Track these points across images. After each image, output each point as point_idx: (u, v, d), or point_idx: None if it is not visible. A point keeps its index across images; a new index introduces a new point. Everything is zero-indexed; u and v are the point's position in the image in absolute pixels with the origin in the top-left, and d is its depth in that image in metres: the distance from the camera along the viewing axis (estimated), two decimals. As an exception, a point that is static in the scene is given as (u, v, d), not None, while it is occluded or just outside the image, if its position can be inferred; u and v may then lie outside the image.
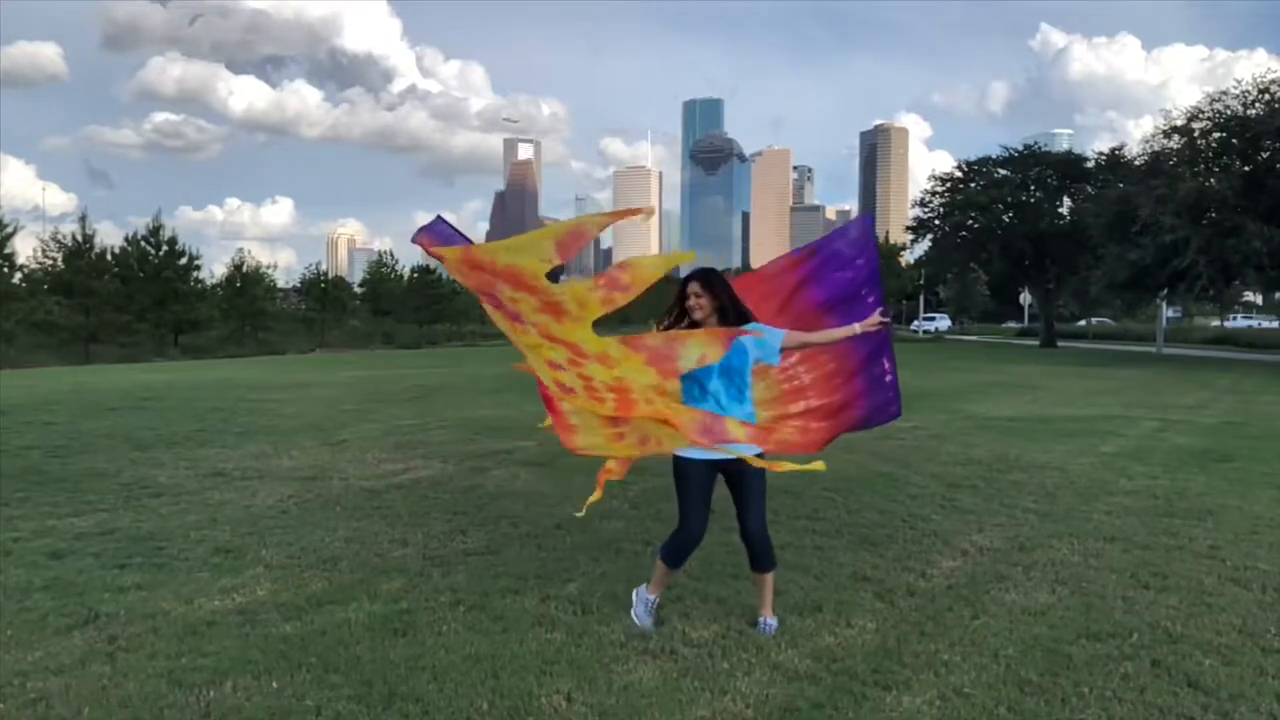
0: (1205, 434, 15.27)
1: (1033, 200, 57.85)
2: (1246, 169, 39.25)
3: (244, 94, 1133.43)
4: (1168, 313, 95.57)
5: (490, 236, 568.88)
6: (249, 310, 61.46)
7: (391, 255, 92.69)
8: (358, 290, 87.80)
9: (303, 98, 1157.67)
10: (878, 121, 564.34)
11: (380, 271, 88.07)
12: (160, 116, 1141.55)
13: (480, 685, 4.91)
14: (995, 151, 60.35)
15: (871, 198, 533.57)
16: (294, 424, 16.13)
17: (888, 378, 6.78)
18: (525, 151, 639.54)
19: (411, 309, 79.32)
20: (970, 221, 57.83)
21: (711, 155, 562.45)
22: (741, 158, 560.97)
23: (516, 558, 7.42)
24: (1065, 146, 76.54)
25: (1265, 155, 38.48)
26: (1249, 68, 52.68)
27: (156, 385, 24.81)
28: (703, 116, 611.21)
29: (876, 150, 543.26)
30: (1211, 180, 38.42)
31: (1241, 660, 5.29)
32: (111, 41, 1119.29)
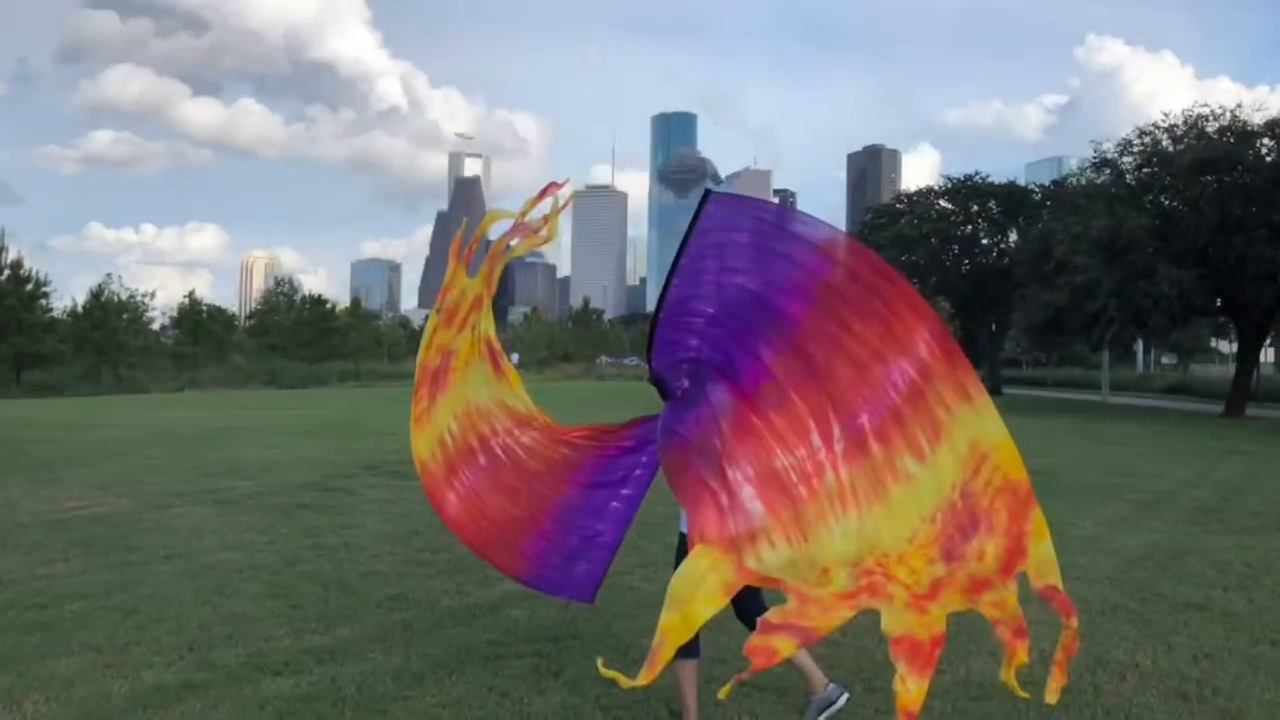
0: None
1: (970, 234, 60.02)
2: (1173, 205, 41.17)
3: (197, 111, 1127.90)
4: (1166, 359, 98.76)
5: (430, 262, 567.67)
6: (106, 344, 62.11)
7: (289, 282, 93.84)
8: (246, 322, 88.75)
9: (257, 117, 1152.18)
10: (867, 143, 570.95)
11: (273, 301, 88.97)
12: (104, 133, 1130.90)
13: None
14: (997, 178, 62.73)
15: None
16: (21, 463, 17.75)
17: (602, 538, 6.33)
18: (472, 167, 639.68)
19: (300, 344, 79.96)
20: (904, 257, 59.62)
21: (683, 176, 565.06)
22: (716, 179, 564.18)
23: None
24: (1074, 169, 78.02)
25: (1184, 193, 40.11)
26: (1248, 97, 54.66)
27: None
28: (674, 132, 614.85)
29: (866, 174, 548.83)
30: (1132, 218, 40.19)
31: None
32: (66, 54, 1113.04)
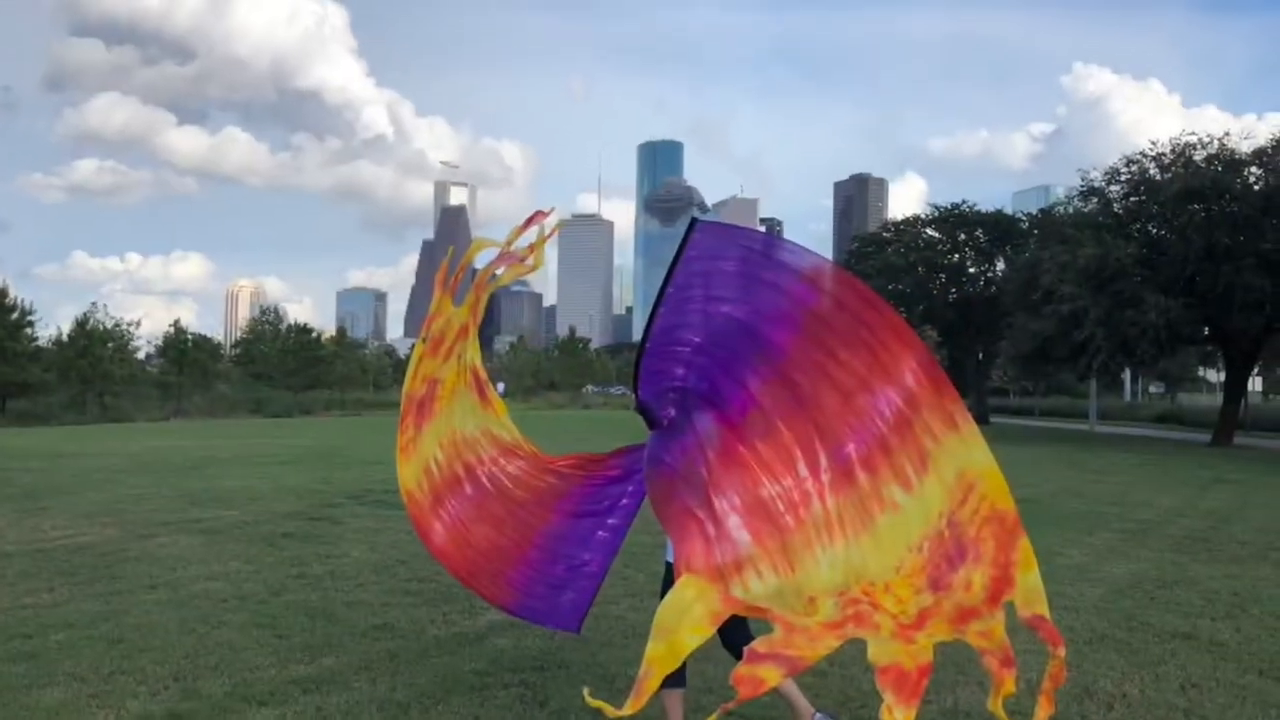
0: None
1: (957, 263, 60.38)
2: (1161, 233, 41.43)
3: (182, 139, 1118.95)
4: (1154, 388, 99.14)
5: (416, 291, 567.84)
6: (91, 373, 62.09)
7: (275, 311, 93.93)
8: (231, 351, 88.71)
9: (243, 145, 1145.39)
10: (854, 172, 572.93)
11: (259, 330, 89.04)
12: (88, 162, 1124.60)
13: None
14: (984, 206, 63.20)
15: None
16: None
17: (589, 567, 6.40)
18: (458, 196, 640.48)
19: (286, 373, 79.97)
20: (891, 286, 59.84)
21: (670, 205, 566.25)
22: (703, 208, 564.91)
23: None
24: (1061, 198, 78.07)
25: (1171, 222, 40.37)
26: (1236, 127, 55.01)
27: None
28: (661, 161, 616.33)
29: (853, 203, 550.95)
30: (1120, 247, 40.32)
31: None
32: (51, 83, 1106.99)
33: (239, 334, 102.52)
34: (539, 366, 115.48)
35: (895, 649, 4.54)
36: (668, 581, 5.41)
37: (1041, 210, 59.26)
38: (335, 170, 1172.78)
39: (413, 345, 6.28)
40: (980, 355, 62.53)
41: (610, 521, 6.34)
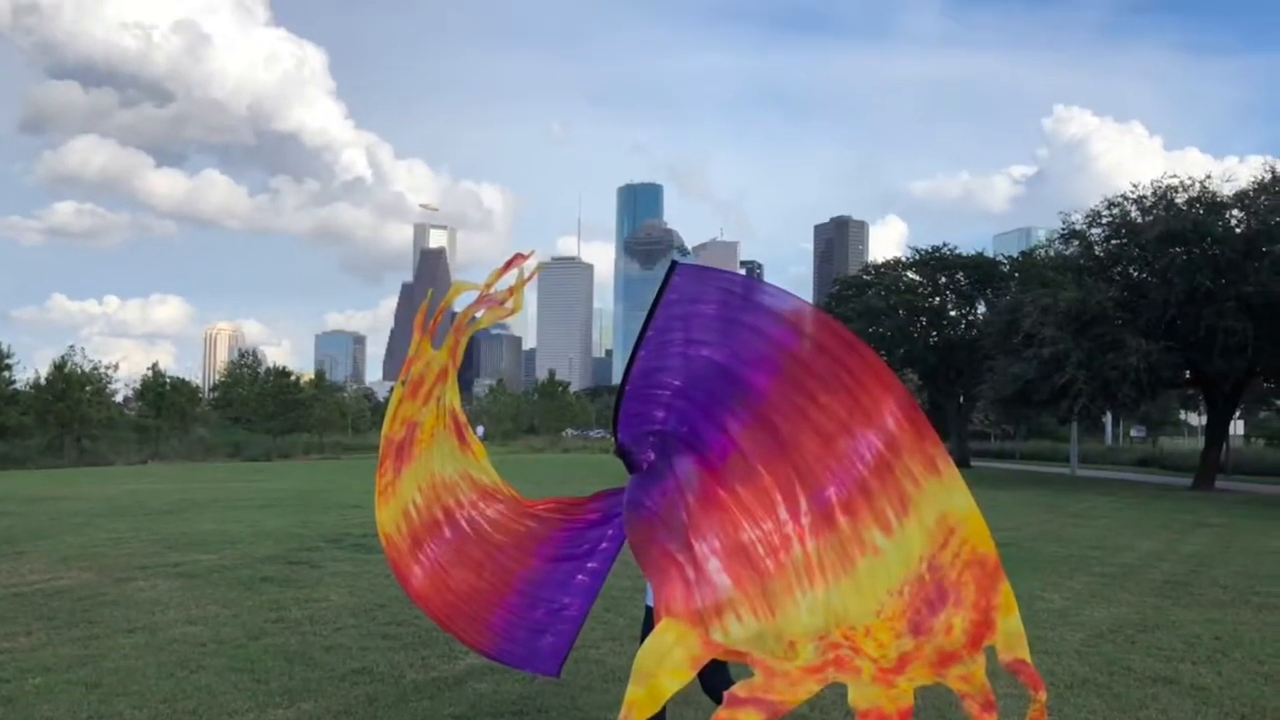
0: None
1: (938, 306, 60.65)
2: (1142, 276, 41.60)
3: (161, 182, 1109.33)
4: (1135, 432, 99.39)
5: (395, 334, 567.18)
6: (69, 416, 61.77)
7: (253, 354, 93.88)
8: (209, 395, 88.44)
9: (222, 187, 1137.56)
10: (834, 214, 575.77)
11: (237, 373, 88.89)
12: (67, 204, 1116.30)
13: None
14: (965, 249, 63.44)
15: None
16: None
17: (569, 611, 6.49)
18: (438, 239, 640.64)
19: (264, 416, 79.75)
20: (871, 329, 59.87)
21: (650, 248, 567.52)
22: (683, 250, 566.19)
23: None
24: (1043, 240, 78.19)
25: (1153, 265, 40.52)
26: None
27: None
28: (641, 204, 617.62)
29: (833, 245, 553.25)
30: (1101, 290, 40.42)
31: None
32: (29, 125, 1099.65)
33: (217, 377, 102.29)
34: (518, 410, 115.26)
35: (876, 693, 4.55)
36: (648, 625, 5.42)
37: (1022, 253, 59.44)
38: (314, 213, 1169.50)
39: (392, 388, 6.30)
40: (961, 398, 62.65)
41: (590, 565, 6.36)
